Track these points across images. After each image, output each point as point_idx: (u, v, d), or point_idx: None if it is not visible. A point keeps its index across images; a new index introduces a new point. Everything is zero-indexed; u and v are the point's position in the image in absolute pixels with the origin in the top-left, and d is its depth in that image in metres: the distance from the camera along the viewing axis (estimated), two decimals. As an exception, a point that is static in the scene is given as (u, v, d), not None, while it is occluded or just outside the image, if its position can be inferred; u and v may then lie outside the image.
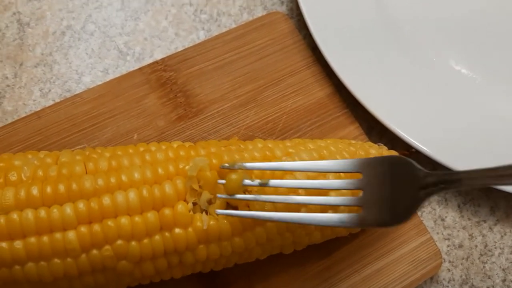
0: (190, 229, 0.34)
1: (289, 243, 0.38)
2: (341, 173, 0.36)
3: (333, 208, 0.36)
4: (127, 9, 0.53)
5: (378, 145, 0.43)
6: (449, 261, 0.47)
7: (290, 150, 0.39)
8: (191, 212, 0.34)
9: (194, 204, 0.35)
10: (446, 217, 0.48)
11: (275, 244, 0.38)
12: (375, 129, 0.50)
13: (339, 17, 0.51)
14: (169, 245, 0.34)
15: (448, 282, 0.46)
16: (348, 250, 0.44)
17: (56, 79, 0.49)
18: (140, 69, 0.48)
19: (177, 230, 0.34)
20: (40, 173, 0.34)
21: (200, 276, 0.41)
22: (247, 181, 0.35)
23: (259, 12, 0.54)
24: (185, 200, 0.34)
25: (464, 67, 0.53)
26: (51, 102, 0.48)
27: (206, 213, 0.35)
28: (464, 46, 0.54)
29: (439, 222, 0.48)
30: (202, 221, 0.34)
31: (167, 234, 0.34)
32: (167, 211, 0.34)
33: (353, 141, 0.43)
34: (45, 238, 0.32)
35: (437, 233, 0.48)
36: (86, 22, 0.52)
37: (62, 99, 0.46)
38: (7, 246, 0.32)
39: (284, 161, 0.38)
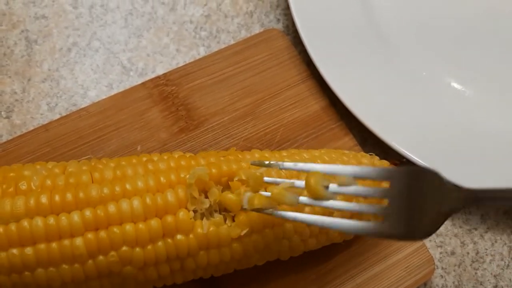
0: (191, 236, 0.36)
1: (285, 250, 0.40)
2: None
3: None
4: (130, 27, 0.55)
5: (370, 154, 0.45)
6: (442, 268, 0.49)
7: (286, 160, 0.41)
8: (192, 219, 0.36)
9: (195, 211, 0.37)
10: (438, 225, 0.50)
11: (273, 251, 0.39)
12: (368, 140, 0.52)
13: (333, 34, 0.53)
14: (171, 251, 0.36)
15: (441, 288, 0.48)
16: (344, 257, 0.46)
17: (63, 93, 0.51)
18: (143, 83, 0.50)
19: (179, 237, 0.36)
20: (49, 182, 0.36)
21: (201, 282, 0.42)
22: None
23: (257, 29, 0.56)
24: (186, 208, 0.36)
25: (455, 80, 0.55)
26: (58, 116, 0.50)
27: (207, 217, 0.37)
28: (456, 61, 0.56)
29: (431, 229, 0.50)
30: (202, 227, 0.36)
31: (169, 240, 0.36)
32: (169, 218, 0.36)
33: (346, 151, 0.44)
34: (54, 245, 0.34)
35: (430, 240, 0.49)
36: (91, 39, 0.54)
37: (68, 113, 0.48)
38: (18, 252, 0.34)
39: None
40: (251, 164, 0.38)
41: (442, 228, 0.50)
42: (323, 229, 0.40)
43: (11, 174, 0.37)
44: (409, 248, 0.47)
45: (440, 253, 0.49)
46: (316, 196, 0.33)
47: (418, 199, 0.31)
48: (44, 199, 0.35)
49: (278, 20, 0.58)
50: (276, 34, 0.53)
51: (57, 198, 0.35)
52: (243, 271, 0.42)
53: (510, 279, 0.49)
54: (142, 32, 0.55)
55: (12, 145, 0.46)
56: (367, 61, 0.53)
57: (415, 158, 0.48)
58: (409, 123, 0.51)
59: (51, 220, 0.34)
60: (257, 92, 0.51)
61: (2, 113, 0.50)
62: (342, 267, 0.45)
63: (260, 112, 0.50)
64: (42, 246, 0.34)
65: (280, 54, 0.53)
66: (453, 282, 0.48)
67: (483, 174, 0.48)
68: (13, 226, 0.34)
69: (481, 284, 0.48)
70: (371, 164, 0.43)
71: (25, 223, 0.34)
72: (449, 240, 0.49)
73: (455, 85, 0.54)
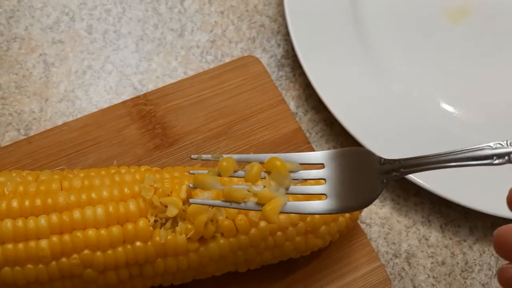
0: (149, 243, 0.38)
1: (241, 261, 0.42)
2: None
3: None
4: (141, 51, 0.59)
5: None
6: (433, 277, 0.52)
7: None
8: (151, 228, 0.39)
9: (155, 221, 0.39)
10: (429, 236, 0.53)
11: (229, 262, 0.42)
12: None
13: (329, 58, 0.57)
14: (130, 256, 0.38)
15: (433, 296, 0.51)
16: (303, 274, 0.47)
17: (78, 113, 0.55)
18: (123, 102, 0.53)
19: (138, 244, 0.38)
20: (21, 188, 0.39)
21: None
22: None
23: (259, 54, 0.60)
24: (146, 217, 0.39)
25: (444, 101, 0.58)
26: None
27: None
28: (448, 83, 0.60)
29: (423, 241, 0.53)
30: (160, 236, 0.39)
31: (129, 246, 0.38)
32: (130, 226, 0.38)
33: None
34: (20, 245, 0.37)
35: (422, 251, 0.52)
36: (104, 63, 0.58)
37: (51, 127, 0.51)
38: (-14, 251, 0.37)
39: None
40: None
41: (433, 240, 0.53)
42: (278, 243, 0.42)
43: (-13, 180, 0.40)
44: (367, 267, 0.48)
45: (431, 263, 0.52)
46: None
47: (354, 175, 0.36)
48: (15, 203, 0.37)
49: (279, 45, 0.61)
50: (253, 60, 0.56)
51: (27, 203, 0.38)
52: (206, 283, 0.44)
53: None
54: (152, 56, 0.59)
55: (-3, 155, 0.49)
56: (363, 84, 0.57)
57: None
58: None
59: (20, 222, 0.37)
60: (231, 114, 0.54)
61: (21, 130, 0.54)
62: (300, 283, 0.47)
63: (233, 133, 0.53)
64: (9, 246, 0.36)
65: (255, 80, 0.55)
66: (444, 290, 0.51)
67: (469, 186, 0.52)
68: (-16, 227, 0.37)
69: (470, 292, 0.51)
70: None
71: (-5, 224, 0.37)
72: (439, 251, 0.52)
73: (445, 106, 0.58)
